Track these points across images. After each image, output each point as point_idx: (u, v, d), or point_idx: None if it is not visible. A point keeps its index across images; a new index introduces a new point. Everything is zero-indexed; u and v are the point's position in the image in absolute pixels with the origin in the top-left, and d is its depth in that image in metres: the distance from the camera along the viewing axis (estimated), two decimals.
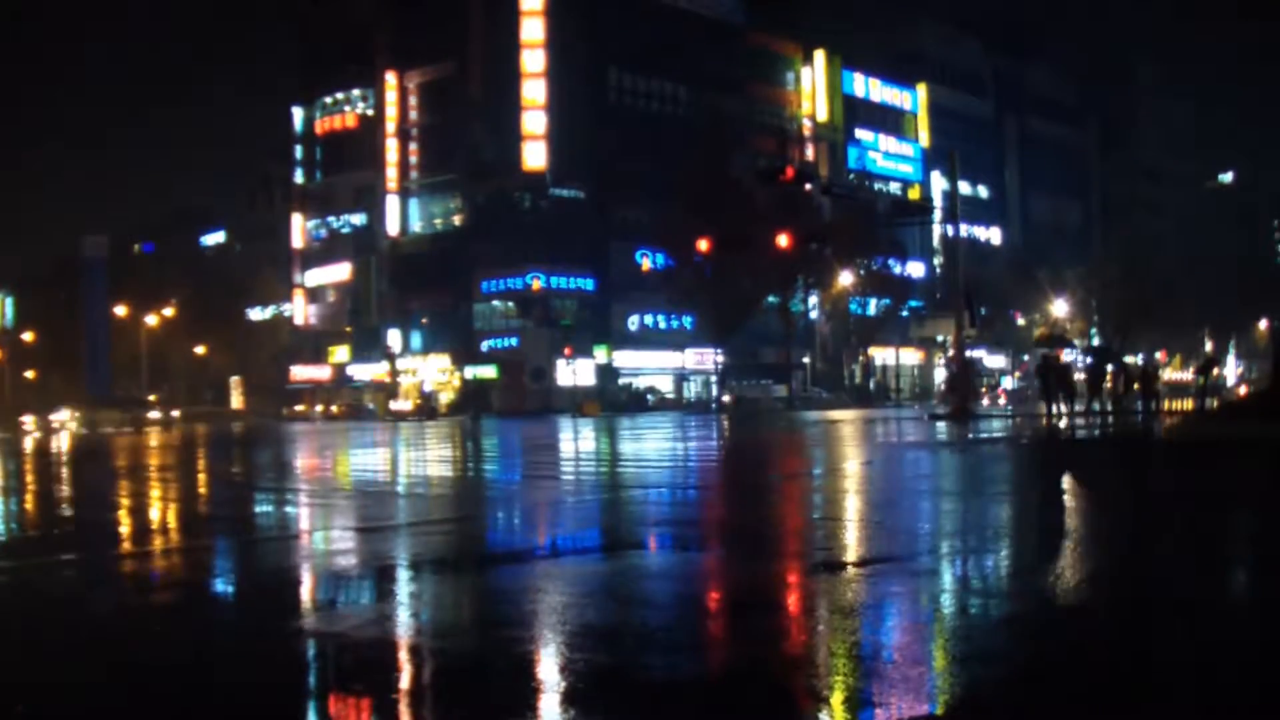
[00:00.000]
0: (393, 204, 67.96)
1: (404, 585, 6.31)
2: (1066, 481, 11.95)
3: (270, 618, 5.41)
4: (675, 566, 6.86)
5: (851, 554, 6.90)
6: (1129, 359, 46.70)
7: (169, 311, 71.13)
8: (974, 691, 3.81)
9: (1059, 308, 69.78)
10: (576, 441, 24.74)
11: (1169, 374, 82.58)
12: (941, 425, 26.96)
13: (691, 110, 65.19)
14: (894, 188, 78.43)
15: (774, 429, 29.27)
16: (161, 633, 5.19)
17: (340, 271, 70.70)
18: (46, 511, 12.09)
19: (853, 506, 9.97)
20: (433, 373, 64.69)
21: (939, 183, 72.73)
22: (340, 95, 71.24)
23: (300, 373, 71.94)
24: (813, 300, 62.78)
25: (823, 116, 74.91)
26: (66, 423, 53.07)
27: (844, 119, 76.34)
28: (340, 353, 71.29)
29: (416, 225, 68.42)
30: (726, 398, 55.78)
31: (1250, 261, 76.66)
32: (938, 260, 75.61)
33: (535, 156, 61.03)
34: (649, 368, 62.73)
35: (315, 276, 72.98)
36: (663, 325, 63.76)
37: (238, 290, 72.46)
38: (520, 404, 57.19)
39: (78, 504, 13.12)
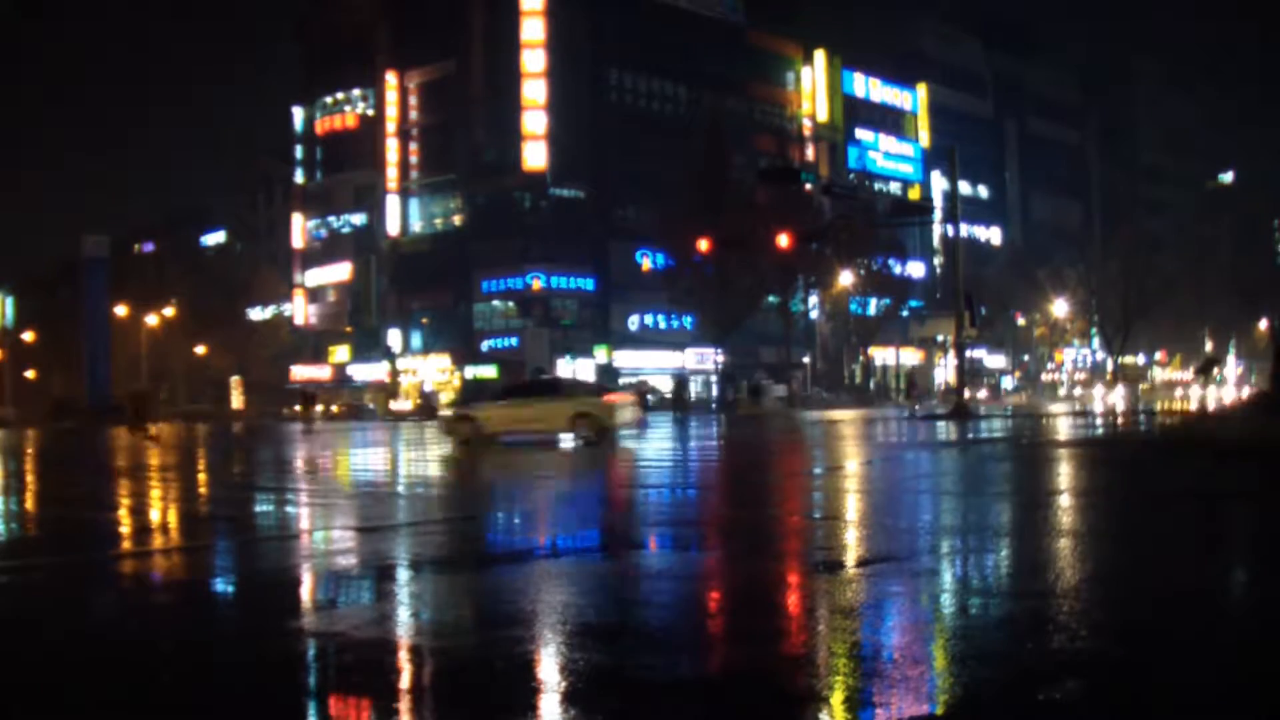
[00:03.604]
0: (393, 204, 67.99)
1: (404, 585, 6.31)
2: (1066, 481, 11.95)
3: (271, 617, 5.41)
4: (675, 566, 6.86)
5: (851, 554, 6.90)
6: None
7: (169, 311, 71.13)
8: (974, 691, 3.81)
9: (1059, 308, 69.84)
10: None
11: (1168, 374, 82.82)
12: (939, 424, 26.97)
13: (691, 110, 65.20)
14: (894, 188, 78.50)
15: (773, 429, 29.27)
16: (162, 631, 5.19)
17: (340, 271, 70.73)
18: None
19: (853, 506, 9.97)
20: (433, 373, 64.71)
21: (939, 183, 72.76)
22: (340, 95, 71.27)
23: (300, 373, 71.93)
24: (813, 300, 62.83)
25: (823, 116, 74.93)
26: None
27: (844, 119, 76.37)
28: (340, 353, 71.33)
29: (417, 225, 68.45)
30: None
31: (1250, 261, 76.67)
32: (938, 260, 75.67)
33: (535, 156, 61.04)
34: (649, 368, 62.72)
35: (315, 276, 73.01)
36: (663, 325, 63.79)
37: (238, 290, 72.46)
38: None
39: None
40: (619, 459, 16.99)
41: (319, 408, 43.24)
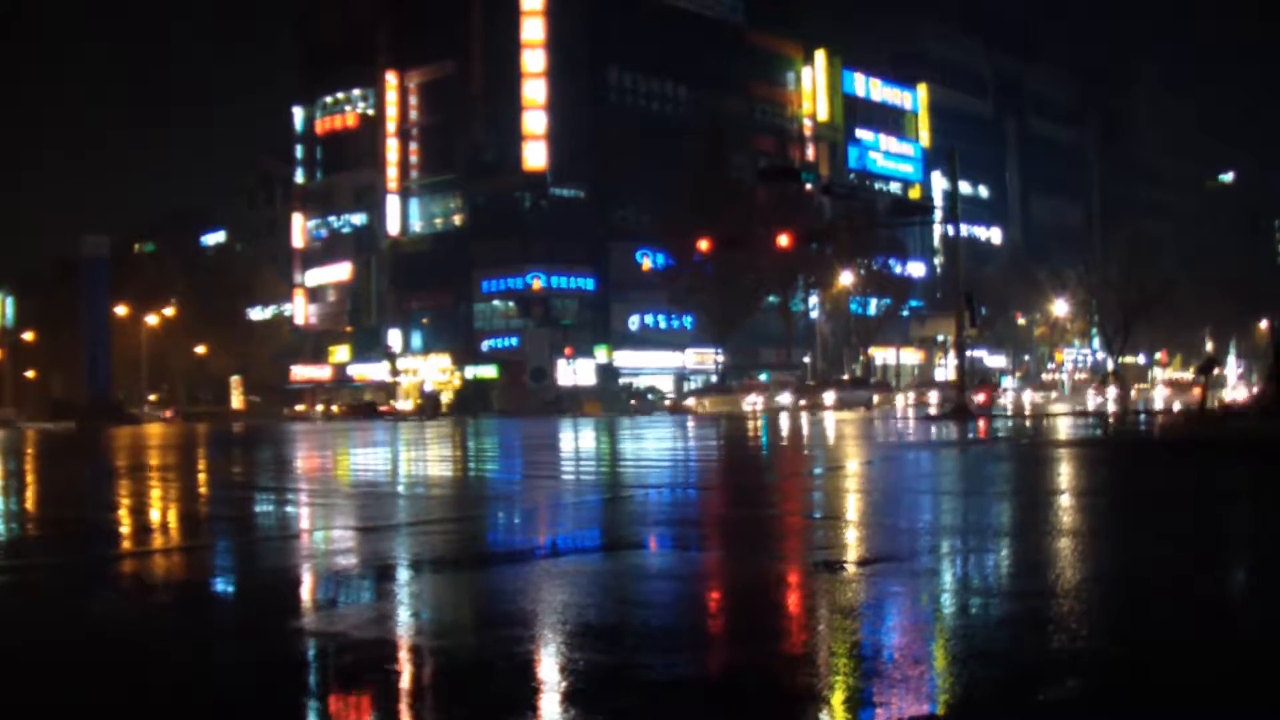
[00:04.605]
0: (393, 204, 68.02)
1: (404, 585, 6.30)
2: (1066, 481, 11.95)
3: (270, 617, 5.40)
4: (675, 566, 6.85)
5: (851, 554, 6.90)
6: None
7: (169, 311, 71.13)
8: (974, 691, 3.81)
9: (1059, 308, 69.87)
10: (576, 441, 24.73)
11: (1169, 374, 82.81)
12: (934, 426, 26.97)
13: (691, 110, 65.24)
14: (894, 188, 78.56)
15: (772, 429, 29.26)
16: (161, 630, 5.18)
17: (340, 271, 70.77)
18: None
19: (853, 505, 9.96)
20: (433, 372, 64.73)
21: (939, 183, 72.80)
22: (340, 95, 71.33)
23: (300, 373, 71.97)
24: (813, 300, 62.85)
25: (823, 116, 74.95)
26: None
27: (844, 119, 76.39)
28: (340, 352, 71.37)
29: (417, 225, 68.48)
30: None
31: (1250, 261, 76.76)
32: (938, 260, 75.72)
33: (535, 156, 61.08)
34: (649, 368, 62.78)
35: (315, 276, 73.05)
36: (663, 325, 63.82)
37: (238, 290, 72.49)
38: (521, 404, 57.26)
39: None
40: None
41: (319, 407, 43.39)
